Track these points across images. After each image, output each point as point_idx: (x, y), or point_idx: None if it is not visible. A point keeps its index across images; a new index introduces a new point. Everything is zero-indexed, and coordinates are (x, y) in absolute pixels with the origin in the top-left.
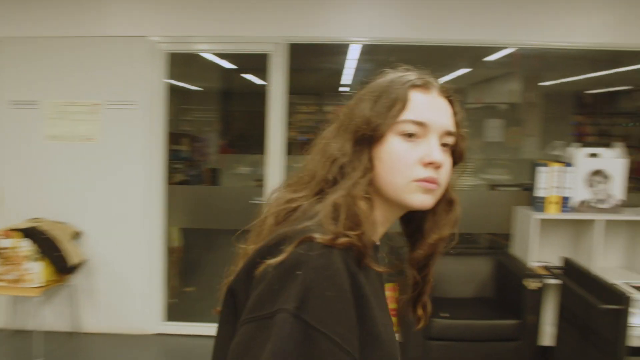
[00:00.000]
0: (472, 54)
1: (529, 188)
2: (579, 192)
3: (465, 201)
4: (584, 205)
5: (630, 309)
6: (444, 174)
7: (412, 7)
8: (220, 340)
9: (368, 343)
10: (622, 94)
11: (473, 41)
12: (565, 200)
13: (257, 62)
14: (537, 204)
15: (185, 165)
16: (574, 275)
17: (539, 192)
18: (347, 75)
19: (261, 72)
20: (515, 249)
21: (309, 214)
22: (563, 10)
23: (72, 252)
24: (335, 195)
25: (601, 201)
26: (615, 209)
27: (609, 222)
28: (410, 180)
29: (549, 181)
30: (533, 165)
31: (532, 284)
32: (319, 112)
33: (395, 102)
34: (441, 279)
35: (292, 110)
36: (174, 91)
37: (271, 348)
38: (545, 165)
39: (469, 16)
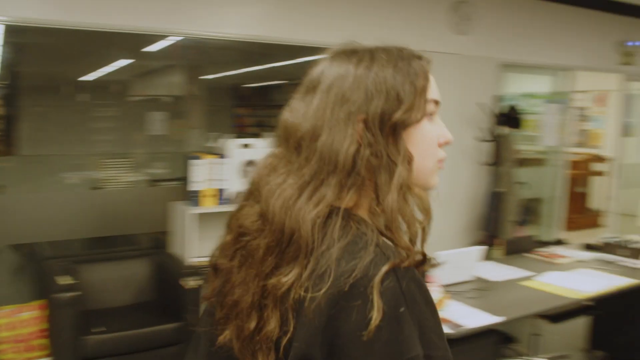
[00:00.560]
0: (131, 43)
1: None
2: (235, 184)
3: (121, 200)
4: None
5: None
6: None
7: None
8: None
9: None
10: (277, 87)
11: (128, 27)
12: (221, 192)
13: None
14: (192, 198)
15: None
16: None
17: (194, 186)
18: None
19: None
20: (175, 247)
21: (359, 232)
22: None
23: None
24: (389, 201)
25: None
26: None
27: None
28: (436, 161)
29: (203, 174)
30: (186, 159)
31: (190, 282)
32: None
33: (426, 82)
34: (93, 289)
35: None
36: None
37: None
38: (198, 157)
39: (126, 0)
